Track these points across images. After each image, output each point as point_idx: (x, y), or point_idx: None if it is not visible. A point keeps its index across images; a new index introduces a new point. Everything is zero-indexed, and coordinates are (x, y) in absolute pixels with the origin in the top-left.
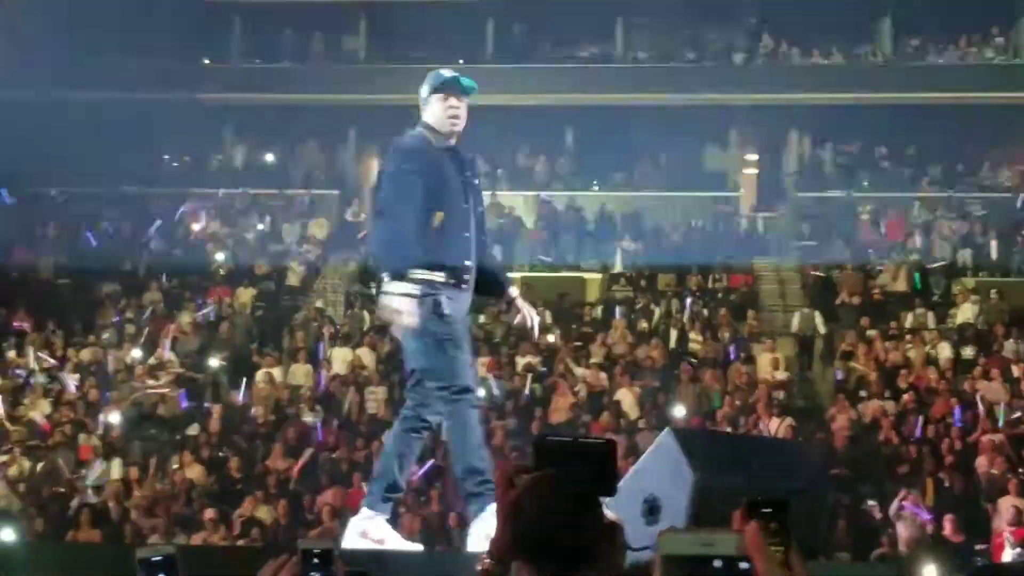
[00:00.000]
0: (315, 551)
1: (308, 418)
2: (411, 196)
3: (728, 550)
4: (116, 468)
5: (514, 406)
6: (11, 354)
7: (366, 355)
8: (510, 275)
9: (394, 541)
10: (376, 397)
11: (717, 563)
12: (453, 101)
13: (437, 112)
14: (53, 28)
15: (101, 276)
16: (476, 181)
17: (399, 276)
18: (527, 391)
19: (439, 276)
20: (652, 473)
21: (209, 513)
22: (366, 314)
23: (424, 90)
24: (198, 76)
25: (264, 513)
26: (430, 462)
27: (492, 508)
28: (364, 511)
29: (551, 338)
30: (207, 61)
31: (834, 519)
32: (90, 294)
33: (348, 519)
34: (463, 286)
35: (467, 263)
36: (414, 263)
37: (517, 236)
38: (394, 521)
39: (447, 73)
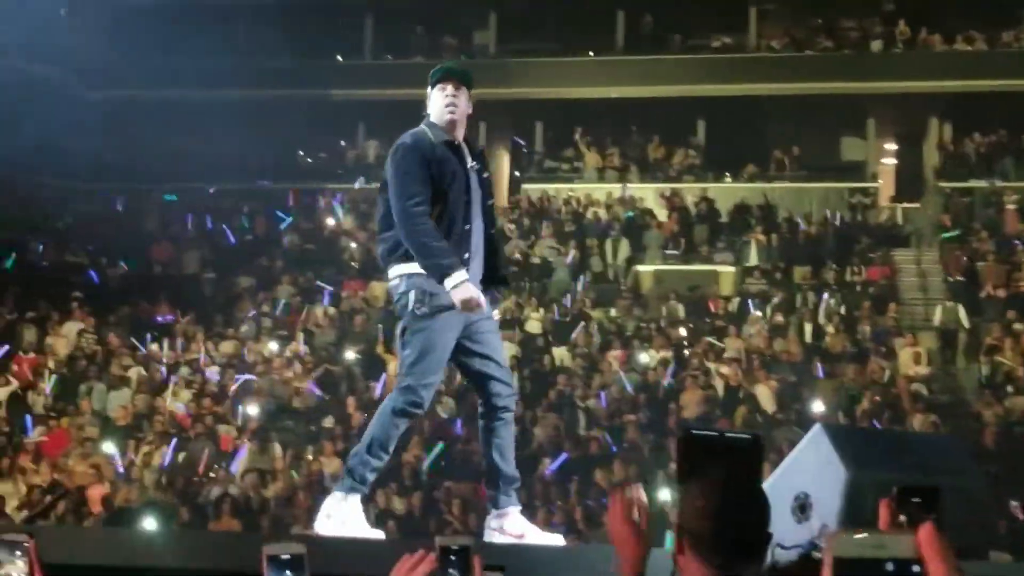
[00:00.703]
0: (453, 548)
1: (441, 411)
2: (419, 191)
3: (901, 552)
4: (255, 458)
5: (646, 400)
6: (154, 347)
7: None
8: (642, 268)
9: (360, 526)
10: None
11: (889, 566)
12: (450, 88)
13: (436, 103)
14: (186, 30)
15: (239, 270)
16: (485, 175)
17: (449, 270)
18: (664, 384)
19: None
20: (802, 470)
21: None
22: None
23: (428, 89)
24: (331, 73)
25: (398, 505)
26: (564, 455)
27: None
28: (335, 495)
29: (683, 332)
30: (340, 58)
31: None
32: (229, 288)
33: (480, 512)
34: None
35: (465, 256)
36: (452, 254)
37: (648, 229)
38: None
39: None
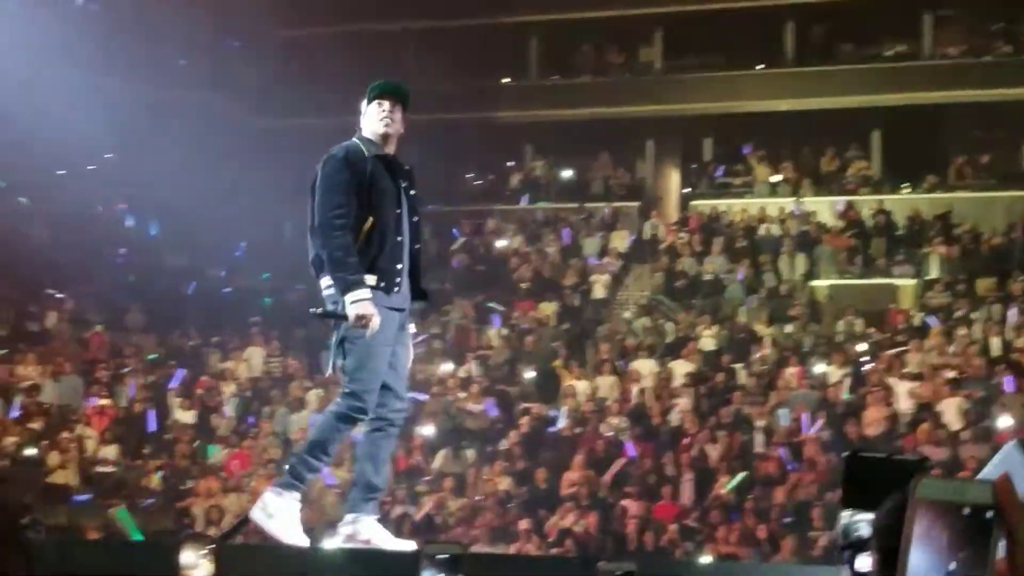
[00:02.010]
0: (617, 572)
1: (614, 430)
2: (343, 204)
3: (978, 499)
4: (447, 464)
5: (827, 418)
6: (329, 371)
7: (674, 367)
8: (817, 283)
9: (383, 539)
10: (681, 408)
11: (966, 511)
12: (386, 105)
13: (372, 118)
14: (356, 57)
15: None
16: (412, 191)
17: (353, 286)
18: (843, 401)
19: (370, 280)
20: None
21: (523, 524)
22: (669, 325)
23: (363, 104)
24: (498, 95)
25: (576, 524)
26: (741, 473)
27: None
28: (347, 516)
29: (862, 347)
30: (505, 80)
31: None
32: None
33: (656, 531)
34: (395, 290)
35: (399, 267)
36: (361, 271)
37: (821, 243)
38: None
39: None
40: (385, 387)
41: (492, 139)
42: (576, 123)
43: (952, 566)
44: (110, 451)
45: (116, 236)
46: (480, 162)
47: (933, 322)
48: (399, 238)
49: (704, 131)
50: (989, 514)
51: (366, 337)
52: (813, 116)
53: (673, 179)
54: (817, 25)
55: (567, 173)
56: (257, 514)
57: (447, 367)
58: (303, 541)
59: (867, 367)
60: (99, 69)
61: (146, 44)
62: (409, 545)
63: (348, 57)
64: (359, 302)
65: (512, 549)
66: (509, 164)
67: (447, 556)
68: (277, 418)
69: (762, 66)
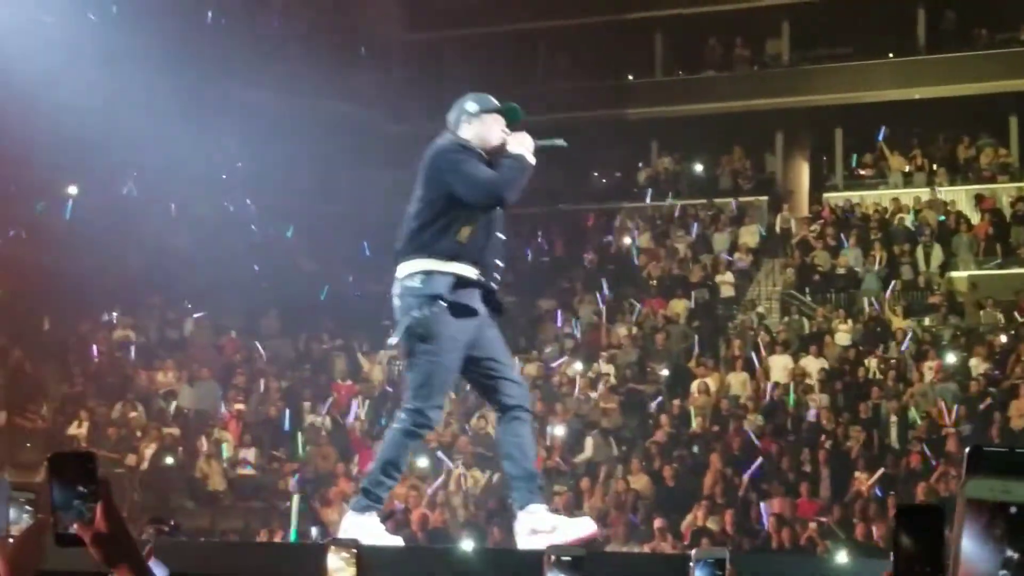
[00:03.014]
0: (709, 560)
1: (749, 427)
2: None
3: None
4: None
5: (968, 412)
6: None
7: (809, 362)
8: (956, 274)
9: (565, 526)
10: (818, 404)
11: (1012, 509)
12: (505, 126)
13: (490, 127)
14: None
15: (541, 292)
16: None
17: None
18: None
19: (472, 273)
20: None
21: (658, 523)
22: (805, 320)
23: (472, 106)
24: (624, 92)
25: (712, 523)
26: (880, 469)
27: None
28: (520, 513)
29: (1004, 339)
30: (631, 77)
31: None
32: (531, 310)
33: (796, 526)
34: (492, 287)
35: (496, 261)
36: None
37: (960, 233)
38: None
39: (503, 103)
40: (499, 377)
41: (620, 137)
42: (703, 118)
43: (1002, 562)
44: (248, 454)
45: (251, 243)
46: (608, 160)
47: None
48: (497, 234)
49: (834, 122)
50: None
51: (440, 351)
52: (947, 104)
53: (803, 172)
54: (949, 10)
55: (696, 169)
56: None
57: (577, 366)
58: (395, 539)
59: (1011, 359)
60: (231, 80)
61: (273, 54)
62: (586, 526)
63: (475, 59)
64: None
65: (647, 548)
66: (638, 163)
67: (571, 557)
68: None
69: (893, 55)
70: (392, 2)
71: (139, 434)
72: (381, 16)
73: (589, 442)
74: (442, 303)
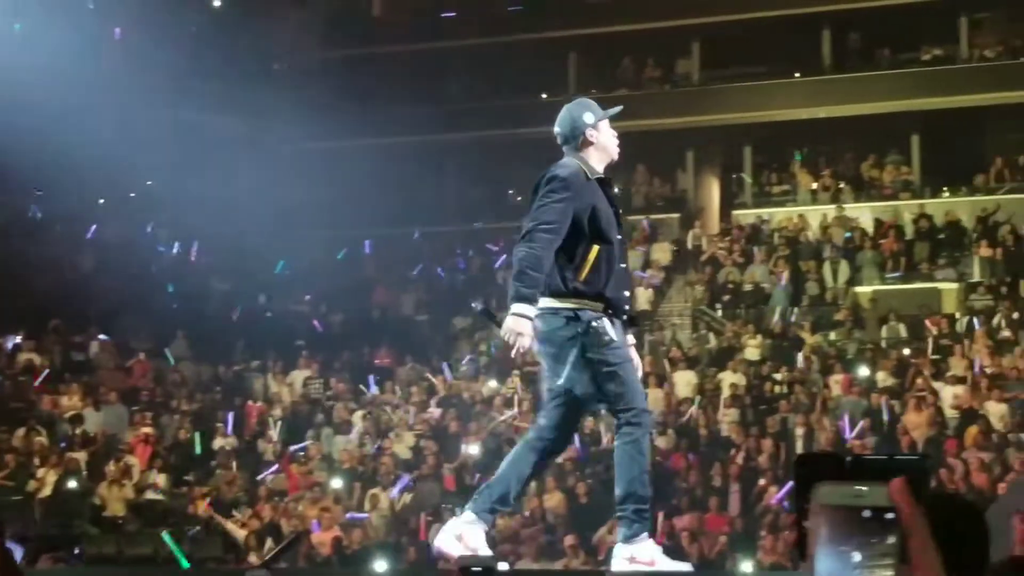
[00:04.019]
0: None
1: (660, 443)
2: (556, 222)
3: (877, 501)
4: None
5: (871, 424)
6: (375, 390)
7: (721, 377)
8: (861, 289)
9: (662, 559)
10: (728, 419)
11: (867, 513)
12: (612, 128)
13: (608, 137)
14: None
15: (455, 311)
16: (619, 211)
17: (528, 300)
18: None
19: (599, 307)
20: None
21: (569, 539)
22: (712, 336)
23: (590, 117)
24: (537, 110)
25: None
26: (789, 483)
27: (644, 537)
28: (468, 515)
29: (906, 352)
30: (545, 96)
31: None
32: (447, 328)
33: (706, 542)
34: (623, 317)
35: (626, 294)
36: (542, 290)
37: (865, 249)
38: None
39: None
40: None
41: (535, 156)
42: (618, 135)
43: (855, 566)
44: (156, 479)
45: (159, 263)
46: (524, 178)
47: (977, 325)
48: (623, 264)
49: (744, 141)
50: (889, 515)
51: (623, 356)
52: (852, 122)
53: (714, 189)
54: (854, 32)
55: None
56: (446, 541)
57: (492, 384)
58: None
59: (912, 372)
60: (140, 96)
61: (188, 71)
62: (686, 567)
63: (390, 77)
64: (519, 317)
65: (559, 565)
66: None
67: (482, 568)
68: (323, 440)
69: (799, 74)
70: (307, 20)
71: (37, 461)
72: (295, 34)
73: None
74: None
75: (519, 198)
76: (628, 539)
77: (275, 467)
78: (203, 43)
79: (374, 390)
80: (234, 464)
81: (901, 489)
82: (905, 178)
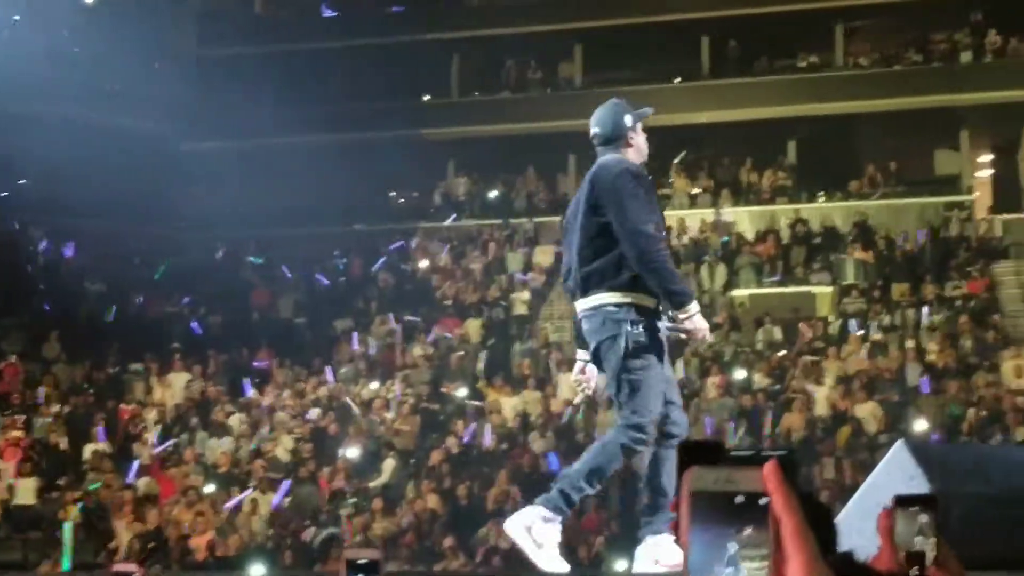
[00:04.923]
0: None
1: (539, 445)
2: (652, 221)
3: (750, 486)
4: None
5: (748, 425)
6: (253, 393)
7: (601, 380)
8: (738, 293)
9: (553, 548)
10: (606, 421)
11: (739, 499)
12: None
13: (643, 141)
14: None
15: (335, 313)
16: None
17: (689, 296)
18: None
19: (651, 303)
20: (886, 487)
21: (448, 541)
22: None
23: (629, 119)
24: (420, 113)
25: (503, 540)
26: None
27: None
28: (648, 539)
29: (782, 354)
30: (428, 98)
31: None
32: (326, 331)
33: (584, 543)
34: (666, 313)
35: None
36: (599, 285)
37: (741, 253)
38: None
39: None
40: (668, 401)
41: (416, 157)
42: (499, 139)
43: (730, 550)
44: (27, 484)
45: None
46: (405, 180)
47: (851, 328)
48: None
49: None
50: (763, 500)
51: (655, 361)
52: (731, 128)
53: None
54: (732, 39)
55: (491, 190)
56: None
57: (372, 386)
58: (564, 568)
59: (788, 374)
60: (19, 96)
61: (64, 67)
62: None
63: (273, 76)
64: (696, 315)
65: (438, 567)
66: (434, 183)
67: (367, 560)
68: (199, 443)
69: (680, 79)
70: (187, 16)
71: None
72: (175, 30)
73: (387, 464)
74: (646, 322)
75: (401, 200)
76: (549, 509)
77: (150, 470)
78: (79, 39)
79: (251, 393)
80: (107, 468)
81: (773, 473)
82: (782, 183)
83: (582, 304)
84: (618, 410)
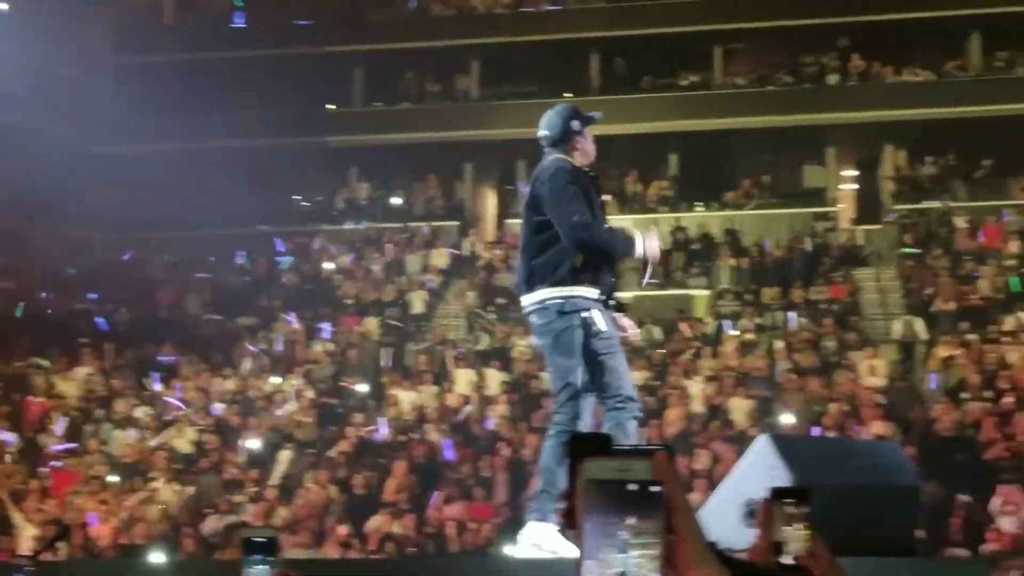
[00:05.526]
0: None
1: (435, 437)
2: (584, 212)
3: (642, 475)
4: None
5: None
6: (159, 387)
7: (491, 375)
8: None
9: (565, 550)
10: (498, 414)
11: (632, 486)
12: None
13: (589, 142)
14: (184, 85)
15: (240, 311)
16: (604, 204)
17: (632, 241)
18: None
19: (594, 294)
20: (750, 478)
21: (344, 529)
22: (486, 336)
23: (577, 124)
24: (324, 121)
25: (397, 528)
26: None
27: (549, 522)
28: (533, 524)
29: (662, 352)
30: (332, 107)
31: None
32: (231, 328)
33: (474, 531)
34: (611, 302)
35: (613, 280)
36: (540, 281)
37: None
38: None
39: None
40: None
41: (320, 163)
42: (399, 148)
43: (624, 537)
44: None
45: None
46: (309, 185)
47: (725, 328)
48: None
49: (518, 155)
50: (655, 488)
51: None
52: (618, 141)
53: (490, 200)
54: (620, 57)
55: (392, 195)
56: (534, 552)
57: (274, 381)
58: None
59: (667, 372)
60: None
61: None
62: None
63: (184, 84)
64: (647, 242)
65: (334, 555)
66: (339, 187)
67: (265, 539)
68: (104, 435)
69: (570, 94)
70: (101, 24)
71: None
72: (89, 37)
73: (284, 455)
74: (594, 305)
75: (304, 204)
76: (543, 523)
77: (56, 462)
78: None
79: (158, 387)
80: (10, 459)
81: (664, 462)
82: (664, 193)
83: (528, 299)
84: (601, 396)
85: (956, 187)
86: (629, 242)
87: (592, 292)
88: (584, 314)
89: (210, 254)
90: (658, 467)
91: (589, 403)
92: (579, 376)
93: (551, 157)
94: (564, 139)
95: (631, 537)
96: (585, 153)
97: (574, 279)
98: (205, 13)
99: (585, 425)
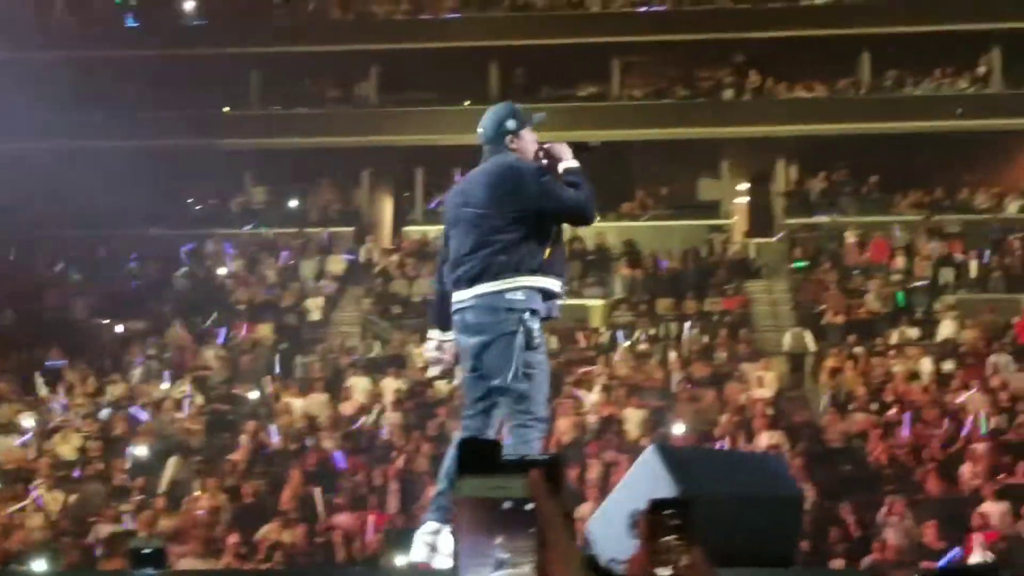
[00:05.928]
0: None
1: (328, 445)
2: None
3: (516, 493)
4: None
5: None
6: (44, 392)
7: (386, 383)
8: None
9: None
10: (392, 423)
11: (507, 504)
12: (536, 136)
13: (530, 141)
14: (77, 83)
15: (129, 315)
16: None
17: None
18: None
19: (554, 285)
20: (637, 489)
21: (232, 538)
22: (379, 345)
23: (512, 124)
24: (220, 124)
25: (286, 537)
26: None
27: (445, 524)
28: (430, 524)
29: (557, 362)
30: (227, 109)
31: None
32: (120, 332)
33: (363, 540)
34: (561, 299)
35: (564, 277)
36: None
37: None
38: None
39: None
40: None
41: (214, 166)
42: (296, 152)
43: (498, 555)
44: None
45: None
46: (204, 188)
47: (619, 338)
48: (561, 246)
49: (416, 162)
50: (529, 506)
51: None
52: None
53: (387, 206)
54: (519, 67)
55: (288, 199)
56: (419, 553)
57: (164, 387)
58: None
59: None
60: None
61: None
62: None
63: (72, 82)
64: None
65: (221, 564)
66: (232, 192)
67: (151, 550)
68: None
69: (469, 102)
70: (25, 20)
71: None
72: (15, 32)
73: (171, 462)
74: (539, 315)
75: (198, 206)
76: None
77: None
78: None
79: (43, 391)
80: None
81: (537, 481)
82: None
83: (476, 291)
84: (515, 402)
85: (845, 203)
86: (579, 170)
87: (556, 284)
88: (529, 323)
89: (99, 256)
90: (533, 485)
91: (502, 413)
92: (507, 383)
93: (500, 156)
94: (496, 138)
95: (504, 555)
96: (524, 154)
97: (542, 271)
98: (97, 12)
99: (493, 435)
